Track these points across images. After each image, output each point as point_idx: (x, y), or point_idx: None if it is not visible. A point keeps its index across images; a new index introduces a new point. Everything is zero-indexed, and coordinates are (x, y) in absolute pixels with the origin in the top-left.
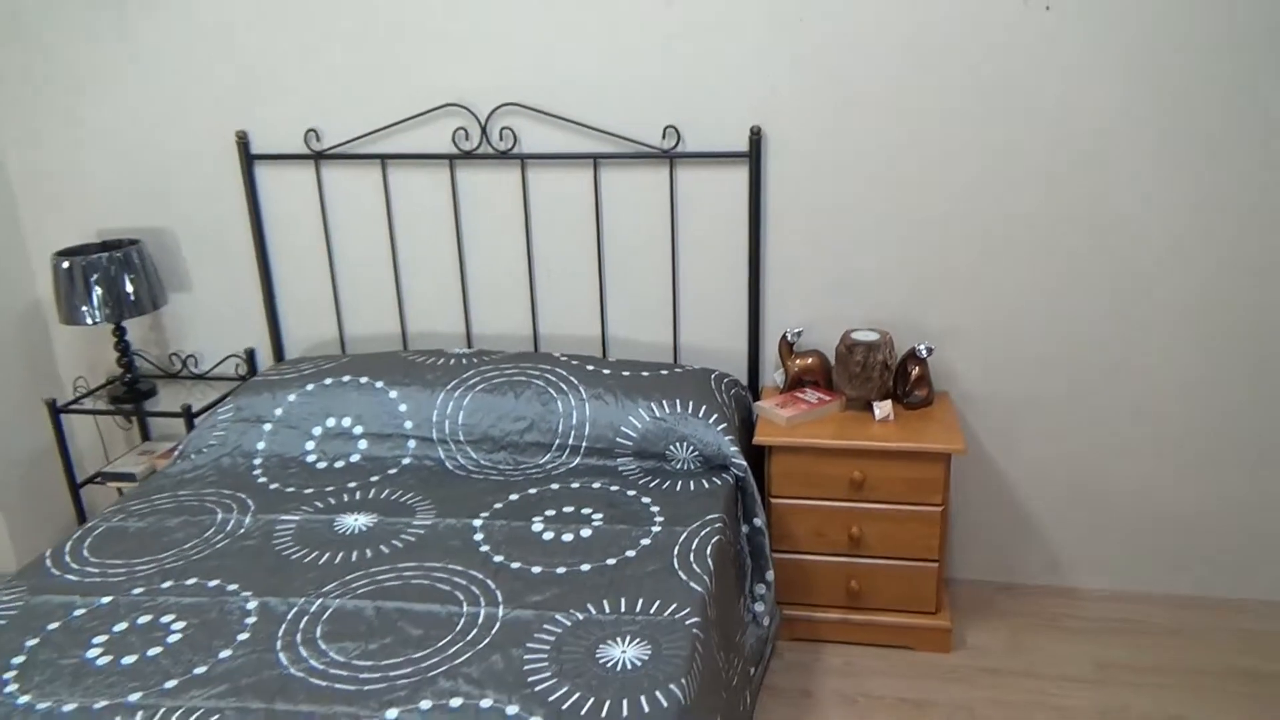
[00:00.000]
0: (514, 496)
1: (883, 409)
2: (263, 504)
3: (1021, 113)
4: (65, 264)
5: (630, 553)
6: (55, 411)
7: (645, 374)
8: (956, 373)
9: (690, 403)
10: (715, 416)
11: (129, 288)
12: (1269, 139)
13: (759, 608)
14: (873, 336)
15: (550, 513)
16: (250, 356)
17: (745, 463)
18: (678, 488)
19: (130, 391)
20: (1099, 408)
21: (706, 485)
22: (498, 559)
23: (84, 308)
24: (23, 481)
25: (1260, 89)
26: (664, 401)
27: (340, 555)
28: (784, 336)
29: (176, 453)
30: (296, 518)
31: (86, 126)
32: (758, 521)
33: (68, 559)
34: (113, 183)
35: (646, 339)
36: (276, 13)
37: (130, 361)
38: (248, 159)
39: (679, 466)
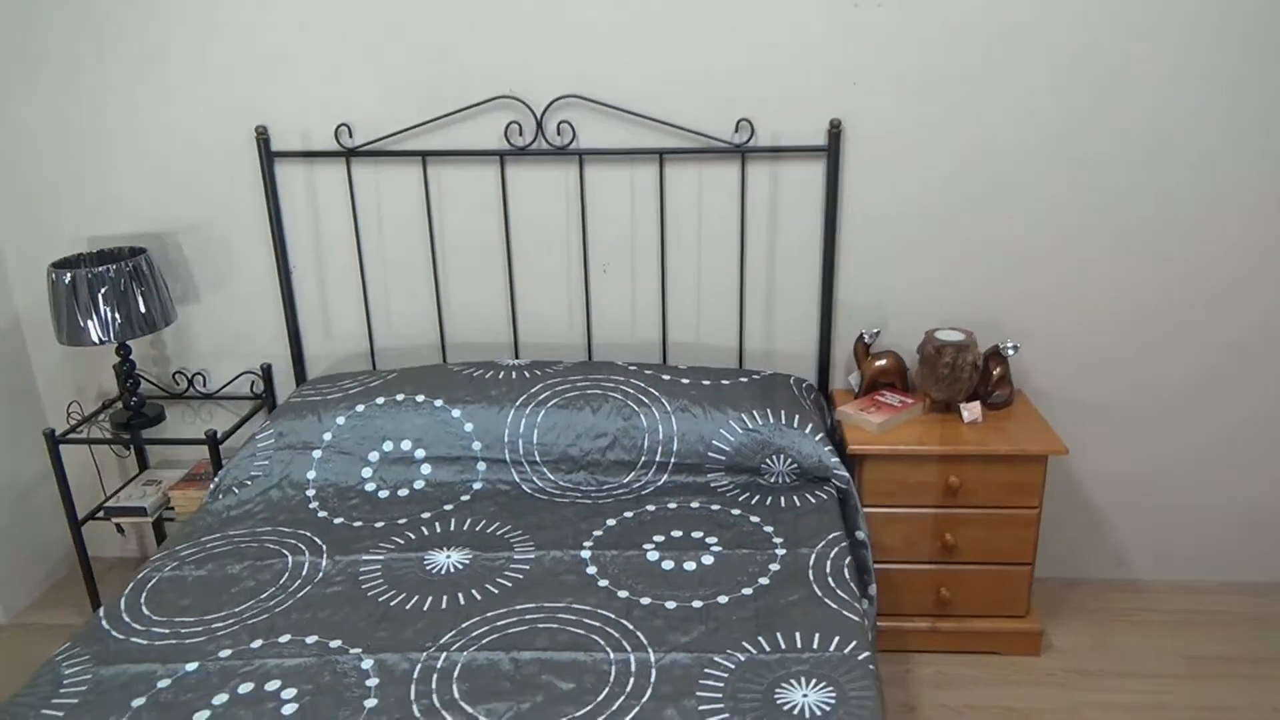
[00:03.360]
0: (611, 521)
1: (971, 411)
2: (335, 543)
3: (1115, 112)
4: (66, 276)
5: (764, 580)
6: (54, 442)
7: (725, 382)
8: (1027, 371)
9: (783, 412)
10: (810, 426)
11: (139, 302)
12: None
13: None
14: (959, 337)
15: (659, 538)
16: (267, 373)
17: (848, 474)
18: (782, 504)
19: (136, 416)
20: (1165, 406)
21: (812, 500)
22: (622, 594)
23: (90, 325)
24: (11, 522)
25: None
26: (755, 412)
27: (445, 600)
28: (860, 337)
29: (213, 486)
30: (380, 557)
31: (75, 122)
32: (860, 534)
33: (127, 619)
34: (106, 185)
35: (707, 343)
36: None
37: (135, 384)
38: (268, 156)
39: (774, 481)
